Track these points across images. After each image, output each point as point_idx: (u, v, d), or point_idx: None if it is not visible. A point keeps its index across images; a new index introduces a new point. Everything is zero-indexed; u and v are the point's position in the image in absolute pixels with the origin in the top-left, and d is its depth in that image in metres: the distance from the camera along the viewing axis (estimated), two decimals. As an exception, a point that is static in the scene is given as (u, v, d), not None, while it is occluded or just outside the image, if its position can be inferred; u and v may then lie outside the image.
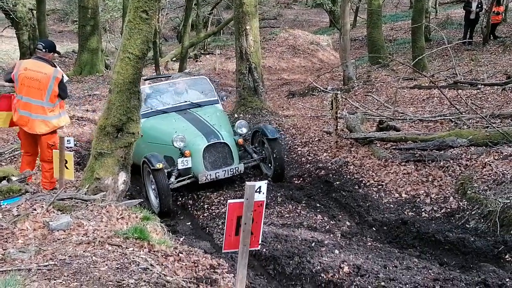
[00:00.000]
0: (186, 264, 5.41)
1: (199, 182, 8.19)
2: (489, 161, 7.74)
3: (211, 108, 9.54)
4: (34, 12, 20.46)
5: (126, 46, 6.34)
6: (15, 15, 19.21)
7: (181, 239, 6.30)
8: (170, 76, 11.23)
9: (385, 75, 16.94)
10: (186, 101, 9.53)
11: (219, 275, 5.41)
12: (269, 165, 9.00)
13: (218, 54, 23.25)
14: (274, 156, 8.69)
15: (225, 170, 8.28)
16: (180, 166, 8.11)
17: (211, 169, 8.26)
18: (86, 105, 14.51)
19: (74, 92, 16.15)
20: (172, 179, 8.13)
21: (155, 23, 6.55)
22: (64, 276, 4.37)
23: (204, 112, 9.24)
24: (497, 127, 8.69)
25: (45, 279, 4.29)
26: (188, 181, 8.30)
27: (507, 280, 4.76)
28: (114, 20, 28.43)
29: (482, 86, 12.89)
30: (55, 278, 4.33)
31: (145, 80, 9.95)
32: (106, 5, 26.80)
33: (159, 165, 7.64)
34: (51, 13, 29.61)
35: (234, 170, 8.38)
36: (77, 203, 5.88)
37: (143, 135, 7.62)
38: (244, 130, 8.95)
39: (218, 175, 8.24)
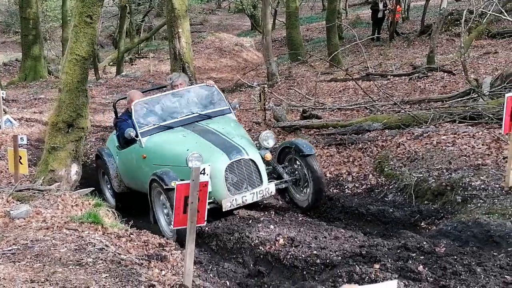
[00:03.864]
0: (137, 244, 5.46)
1: (223, 210, 6.14)
2: (402, 142, 8.07)
3: (223, 119, 7.25)
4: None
5: (73, 49, 6.42)
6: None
7: (131, 222, 6.37)
8: (165, 87, 8.45)
9: (304, 70, 17.31)
10: (193, 113, 7.23)
11: (168, 252, 5.47)
12: (303, 190, 6.81)
13: (151, 57, 23.41)
14: (312, 177, 6.47)
15: (253, 193, 6.20)
16: None
17: (235, 192, 6.15)
18: (33, 108, 14.29)
19: (20, 97, 16.05)
20: None
21: (98, 27, 6.60)
22: (27, 258, 4.38)
23: (216, 124, 6.97)
24: (408, 111, 9.16)
25: (10, 262, 4.29)
26: (208, 207, 5.54)
27: (424, 243, 4.99)
28: (54, 29, 28.12)
29: (392, 76, 13.40)
30: (19, 260, 4.34)
31: (143, 92, 8.05)
32: (46, 16, 26.36)
33: (175, 184, 5.23)
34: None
35: (264, 192, 6.30)
36: (34, 193, 5.87)
37: (146, 156, 6.74)
38: (271, 143, 6.75)
39: (246, 200, 6.18)
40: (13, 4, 30.76)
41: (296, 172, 6.76)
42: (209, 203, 5.78)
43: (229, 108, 7.45)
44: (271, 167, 6.68)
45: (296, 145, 6.64)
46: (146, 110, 7.07)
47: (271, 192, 6.40)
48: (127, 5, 22.34)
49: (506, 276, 4.26)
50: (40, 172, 6.61)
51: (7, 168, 7.47)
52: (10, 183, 7.01)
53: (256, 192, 6.23)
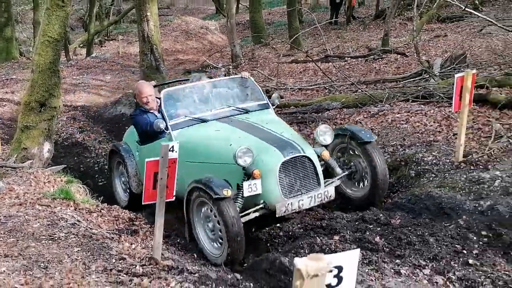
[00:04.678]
0: (108, 219, 5.47)
1: (277, 215, 4.90)
2: (359, 119, 8.14)
3: (262, 113, 6.00)
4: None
5: (46, 31, 6.34)
6: None
7: (101, 198, 6.28)
8: (187, 80, 6.96)
9: (267, 52, 17.27)
10: (229, 106, 6.00)
11: (138, 226, 5.48)
12: (358, 183, 5.59)
13: (120, 39, 23.05)
14: (374, 167, 5.26)
15: (311, 197, 4.95)
16: (247, 193, 4.78)
17: (290, 195, 4.90)
18: (5, 88, 14.02)
19: (-7, 78, 15.62)
20: (235, 212, 4.62)
21: (69, 10, 6.45)
22: (1, 234, 4.32)
23: (257, 118, 5.77)
24: (364, 91, 9.23)
25: (-17, 238, 4.19)
26: (257, 214, 4.93)
27: (380, 215, 5.02)
28: (26, 12, 27.64)
29: (349, 58, 13.50)
30: (-8, 236, 4.25)
31: (154, 86, 6.61)
32: (17, -1, 25.88)
33: (227, 192, 4.49)
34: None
35: (323, 196, 5.04)
36: (7, 170, 5.80)
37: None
38: (328, 140, 5.36)
39: (302, 204, 4.93)
40: None
41: (352, 163, 5.50)
42: (259, 208, 4.92)
43: (268, 103, 6.18)
44: (324, 164, 5.32)
45: (352, 132, 5.39)
46: (176, 101, 5.91)
47: (331, 197, 5.12)
48: None
49: (456, 245, 4.35)
50: (13, 150, 6.54)
51: (-20, 147, 7.25)
52: (-18, 161, 6.84)
53: (314, 196, 4.97)
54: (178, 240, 5.39)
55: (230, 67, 11.63)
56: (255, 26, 19.93)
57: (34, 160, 6.34)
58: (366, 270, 4.06)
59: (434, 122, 7.38)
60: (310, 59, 12.93)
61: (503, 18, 13.78)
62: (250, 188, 4.77)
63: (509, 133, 6.45)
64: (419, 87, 8.78)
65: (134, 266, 4.05)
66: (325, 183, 5.04)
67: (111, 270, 3.87)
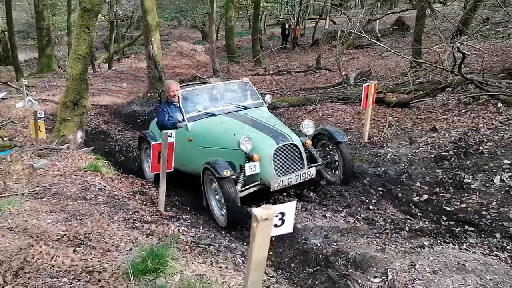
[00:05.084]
0: (126, 184, 5.32)
1: (271, 190, 4.53)
2: (300, 115, 8.17)
3: (258, 110, 5.57)
4: (6, 32, 18.82)
5: (76, 50, 6.12)
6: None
7: (120, 170, 6.16)
8: (205, 82, 6.40)
9: (238, 68, 17.10)
10: (232, 104, 5.56)
11: (148, 189, 5.38)
12: (333, 171, 5.14)
13: (133, 57, 22.51)
14: (344, 161, 4.91)
15: (298, 175, 4.59)
16: (248, 172, 4.47)
17: (281, 174, 4.56)
18: (48, 92, 13.41)
19: (38, 84, 14.88)
20: (238, 187, 4.44)
21: (94, 35, 6.26)
22: (47, 196, 4.20)
23: (254, 114, 5.35)
24: (304, 95, 9.28)
25: (34, 199, 4.09)
26: (255, 188, 4.60)
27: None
28: (62, 36, 26.57)
29: (294, 72, 13.52)
30: (41, 197, 4.14)
31: (181, 86, 5.94)
32: (55, 27, 24.77)
33: (227, 173, 4.25)
34: (16, 33, 26.49)
35: (306, 175, 4.66)
36: (50, 151, 5.59)
37: (192, 139, 5.14)
38: (311, 131, 5.09)
39: (291, 181, 4.57)
40: (30, 18, 28.96)
41: (328, 156, 5.12)
42: (257, 184, 4.53)
43: (262, 102, 5.71)
44: (307, 151, 4.98)
45: (330, 133, 5.02)
46: (191, 99, 5.50)
47: (312, 175, 4.70)
48: (114, 20, 21.61)
49: (362, 197, 4.47)
50: (55, 137, 6.31)
51: (30, 134, 7.02)
52: (32, 144, 6.64)
53: (300, 174, 4.59)
54: (176, 198, 5.34)
55: (212, 78, 11.51)
56: (229, 49, 19.71)
57: (70, 144, 6.16)
58: (304, 215, 4.15)
59: (349, 116, 7.45)
60: (268, 73, 12.92)
61: (395, 46, 14.02)
62: (250, 168, 4.45)
63: (397, 123, 6.59)
64: (340, 93, 8.83)
65: (145, 216, 4.04)
66: (308, 167, 4.70)
67: (128, 219, 3.84)
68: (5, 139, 6.47)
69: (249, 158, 4.50)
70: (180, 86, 5.77)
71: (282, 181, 4.47)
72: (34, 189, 4.35)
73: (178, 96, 5.41)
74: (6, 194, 4.19)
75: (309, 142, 4.95)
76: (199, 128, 5.15)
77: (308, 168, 4.67)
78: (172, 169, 4.34)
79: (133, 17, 26.43)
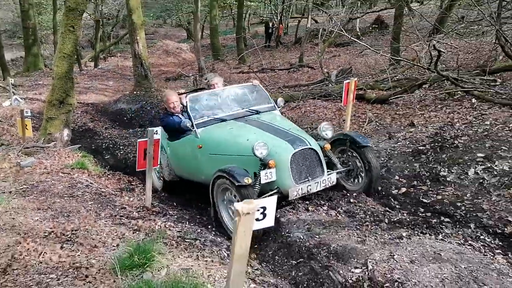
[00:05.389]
0: (113, 181, 5.31)
1: (289, 199, 4.06)
2: (283, 111, 7.96)
3: (270, 114, 4.99)
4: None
5: (62, 49, 6.05)
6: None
7: (107, 167, 6.12)
8: (203, 89, 5.80)
9: (222, 66, 17.04)
10: (243, 108, 4.98)
11: (135, 186, 5.38)
12: (353, 179, 4.56)
13: (119, 56, 22.27)
14: (369, 167, 4.33)
15: (318, 182, 4.11)
16: (263, 180, 3.98)
17: (300, 181, 4.07)
18: (34, 90, 13.17)
19: (24, 83, 14.63)
20: (254, 196, 3.82)
21: (79, 33, 6.17)
22: (34, 194, 4.14)
23: (267, 117, 4.80)
24: (287, 92, 9.31)
25: (22, 196, 4.03)
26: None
27: None
28: (48, 35, 26.07)
29: (277, 70, 13.57)
30: (28, 195, 4.09)
31: (180, 94, 5.46)
32: (41, 26, 24.24)
33: (247, 180, 3.74)
34: (3, 32, 25.84)
35: (327, 182, 4.17)
36: (37, 149, 5.51)
37: (202, 146, 4.66)
38: (330, 134, 4.51)
39: (310, 189, 4.08)
40: (16, 17, 28.29)
41: (350, 163, 4.54)
42: (274, 193, 3.99)
43: (274, 105, 5.16)
44: (326, 156, 4.41)
45: (351, 137, 4.45)
46: (199, 104, 4.96)
47: (333, 182, 4.23)
48: (100, 19, 21.36)
49: (343, 190, 4.47)
50: (41, 135, 6.22)
51: (17, 133, 6.88)
52: (19, 143, 6.52)
53: (320, 181, 4.12)
54: (163, 194, 5.34)
55: (197, 76, 11.46)
56: (214, 47, 19.65)
57: (56, 142, 6.08)
58: (287, 209, 4.15)
59: (331, 112, 7.51)
60: (252, 71, 12.92)
61: (375, 44, 14.18)
62: (266, 176, 3.96)
63: (377, 119, 6.68)
64: (322, 90, 8.89)
65: (131, 213, 4.03)
66: (328, 173, 4.23)
67: (115, 216, 3.83)
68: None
69: (264, 165, 4.01)
70: (182, 93, 5.43)
71: (301, 189, 4.01)
72: (22, 187, 4.28)
73: (182, 104, 5.10)
74: (-8, 192, 4.10)
75: (328, 146, 4.41)
76: (209, 134, 4.67)
77: (328, 174, 4.19)
78: (158, 166, 4.32)
79: (118, 16, 26.08)
